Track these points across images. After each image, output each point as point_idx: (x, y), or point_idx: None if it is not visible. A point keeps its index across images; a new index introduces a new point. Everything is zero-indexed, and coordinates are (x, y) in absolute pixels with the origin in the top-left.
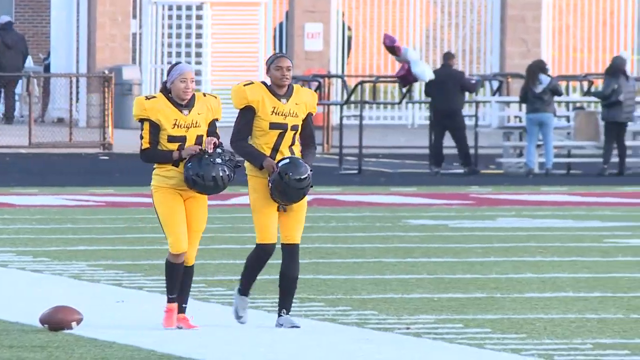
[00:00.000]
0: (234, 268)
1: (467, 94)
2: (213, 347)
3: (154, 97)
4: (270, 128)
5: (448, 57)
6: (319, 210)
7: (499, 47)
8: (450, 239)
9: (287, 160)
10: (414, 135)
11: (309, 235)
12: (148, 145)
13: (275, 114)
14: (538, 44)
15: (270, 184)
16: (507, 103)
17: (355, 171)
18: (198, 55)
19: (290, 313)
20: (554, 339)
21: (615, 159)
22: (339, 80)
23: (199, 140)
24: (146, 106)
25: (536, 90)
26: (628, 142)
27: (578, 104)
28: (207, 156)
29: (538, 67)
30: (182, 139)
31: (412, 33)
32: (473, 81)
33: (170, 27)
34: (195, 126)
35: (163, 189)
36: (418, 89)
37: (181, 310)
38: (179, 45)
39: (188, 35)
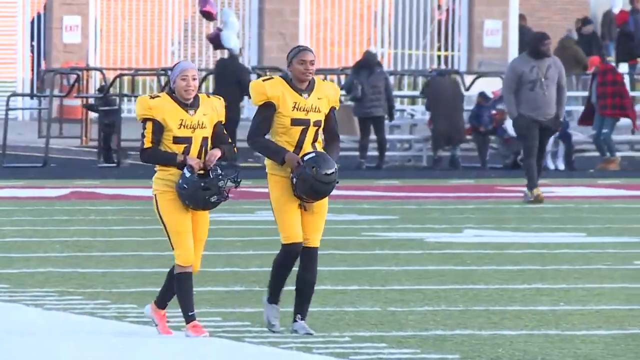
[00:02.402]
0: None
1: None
2: None
3: (158, 96)
4: (292, 124)
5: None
6: (78, 204)
7: (257, 41)
8: (210, 232)
9: (314, 154)
10: None
11: (67, 228)
12: (150, 145)
13: (297, 109)
14: (296, 38)
15: (294, 179)
16: None
17: (114, 164)
18: None
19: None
20: (312, 331)
21: (375, 153)
22: (98, 72)
23: (204, 142)
24: (151, 105)
25: None
26: (390, 137)
27: None
28: (203, 185)
29: None
30: (188, 141)
31: (171, 26)
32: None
33: None
34: (201, 127)
35: (168, 194)
36: None
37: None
38: None
39: None
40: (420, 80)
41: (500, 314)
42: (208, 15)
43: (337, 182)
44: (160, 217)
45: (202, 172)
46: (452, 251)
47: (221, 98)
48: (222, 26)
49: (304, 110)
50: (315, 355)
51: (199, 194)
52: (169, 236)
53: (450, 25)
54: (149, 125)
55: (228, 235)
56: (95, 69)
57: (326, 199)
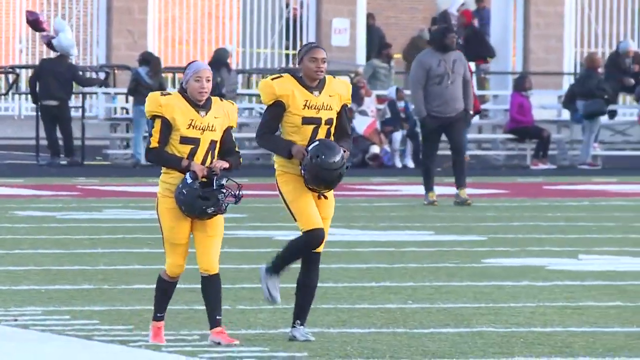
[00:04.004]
0: None
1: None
2: None
3: (169, 94)
4: (302, 123)
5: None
6: None
7: (105, 39)
8: (58, 230)
9: (317, 143)
10: (20, 126)
11: None
12: (156, 145)
13: (308, 107)
14: (144, 36)
15: (302, 172)
16: (114, 94)
17: None
18: None
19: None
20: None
21: None
22: None
23: (212, 145)
24: (162, 102)
25: (152, 82)
26: (239, 135)
27: None
28: (202, 195)
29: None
30: (195, 142)
31: (19, 23)
32: (91, 75)
33: None
34: (211, 130)
35: (168, 200)
36: (25, 80)
37: (217, 323)
38: None
39: None
40: None
41: (348, 312)
42: (35, 25)
43: (348, 168)
44: (159, 220)
45: (204, 179)
46: None
47: (234, 103)
48: (56, 35)
49: (315, 109)
50: (164, 354)
51: (196, 202)
52: (163, 243)
53: (298, 23)
54: (158, 123)
55: (76, 234)
56: None
57: (331, 194)
